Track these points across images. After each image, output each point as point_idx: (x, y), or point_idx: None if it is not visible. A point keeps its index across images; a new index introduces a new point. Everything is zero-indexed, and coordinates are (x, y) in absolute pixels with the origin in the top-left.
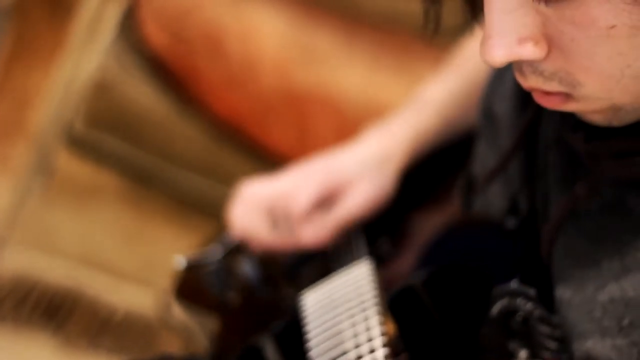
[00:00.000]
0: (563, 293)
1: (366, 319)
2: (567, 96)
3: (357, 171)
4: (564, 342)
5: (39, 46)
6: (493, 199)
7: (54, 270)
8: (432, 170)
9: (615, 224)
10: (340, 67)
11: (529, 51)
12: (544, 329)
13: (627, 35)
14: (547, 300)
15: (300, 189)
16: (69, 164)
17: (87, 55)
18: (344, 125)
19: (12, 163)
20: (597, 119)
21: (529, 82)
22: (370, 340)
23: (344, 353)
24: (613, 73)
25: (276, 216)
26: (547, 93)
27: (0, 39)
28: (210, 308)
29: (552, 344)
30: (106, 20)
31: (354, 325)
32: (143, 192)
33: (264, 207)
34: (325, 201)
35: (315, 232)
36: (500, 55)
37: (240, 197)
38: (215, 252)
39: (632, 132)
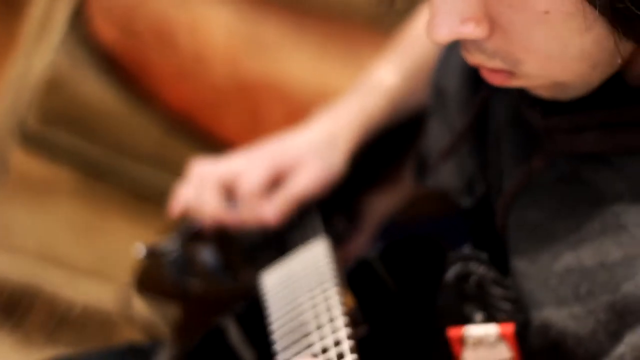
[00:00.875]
0: (518, 264)
1: (324, 291)
2: (511, 73)
3: (306, 151)
4: (518, 304)
5: None
6: (447, 177)
7: (11, 267)
8: (384, 149)
9: (571, 195)
10: (289, 56)
11: (471, 31)
12: (497, 291)
13: (562, 20)
14: (501, 268)
15: (250, 169)
16: (24, 161)
17: (38, 52)
18: (294, 112)
19: None
20: (543, 94)
21: (474, 59)
22: (329, 310)
23: (304, 325)
24: (551, 54)
25: (226, 194)
26: (492, 70)
27: None
28: (172, 297)
29: (506, 306)
30: (56, 16)
31: (313, 299)
32: (98, 186)
33: (213, 184)
34: (275, 182)
35: (266, 211)
36: (444, 34)
37: (190, 175)
38: (174, 241)
39: (585, 107)
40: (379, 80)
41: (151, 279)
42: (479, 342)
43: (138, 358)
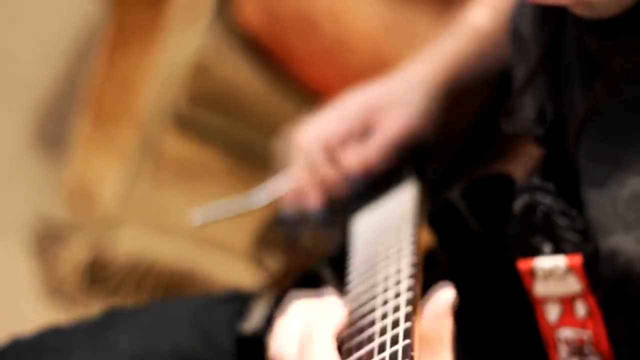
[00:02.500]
0: (587, 192)
1: (400, 233)
2: None
3: (399, 96)
4: (586, 235)
5: (139, 30)
6: (525, 112)
7: (167, 250)
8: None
9: (636, 121)
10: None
11: None
12: (564, 221)
13: None
14: (571, 198)
15: (337, 121)
16: (176, 144)
17: (186, 37)
18: None
19: (121, 146)
20: (578, 12)
21: None
22: (398, 260)
23: (375, 269)
24: None
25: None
26: None
27: (104, 26)
28: (286, 252)
29: (574, 237)
30: (203, 2)
31: (389, 246)
32: (246, 166)
33: (315, 146)
34: (363, 130)
35: (356, 159)
36: None
37: (297, 150)
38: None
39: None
40: (472, 22)
41: (271, 238)
42: (549, 274)
43: (238, 303)
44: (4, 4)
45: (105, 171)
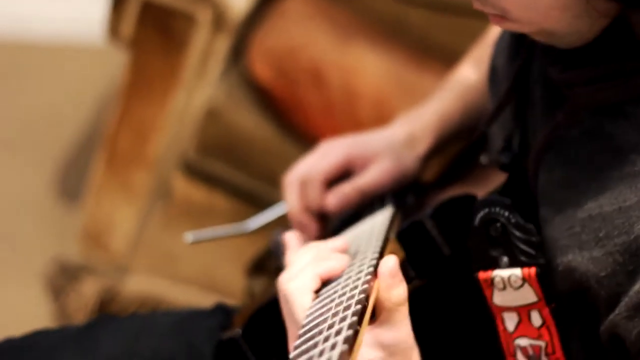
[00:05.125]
0: (546, 213)
1: (372, 245)
2: (503, 17)
3: (382, 148)
4: (541, 249)
5: (155, 79)
6: (493, 142)
7: (177, 295)
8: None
9: (595, 148)
10: None
11: None
12: (520, 235)
13: None
14: (526, 216)
15: (324, 158)
16: (185, 188)
17: (198, 87)
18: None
19: (134, 190)
20: (540, 39)
21: (475, 5)
22: (367, 253)
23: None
24: (531, 5)
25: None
26: (490, 14)
27: (121, 71)
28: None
29: (529, 250)
30: (216, 54)
31: (364, 252)
32: (252, 213)
33: (297, 183)
34: (344, 173)
35: (334, 198)
36: None
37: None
38: (278, 231)
39: (600, 61)
40: (459, 80)
41: (262, 264)
42: (506, 285)
43: (222, 315)
44: (32, 62)
45: (117, 216)
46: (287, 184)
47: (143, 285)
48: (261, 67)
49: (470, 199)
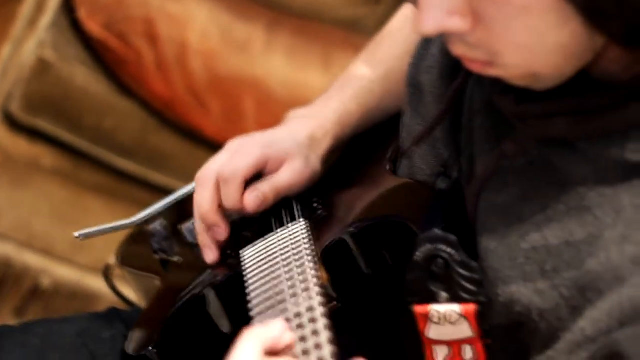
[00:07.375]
0: (488, 243)
1: (301, 265)
2: (490, 63)
3: (292, 148)
4: (482, 286)
5: None
6: (420, 163)
7: None
8: (364, 143)
9: (539, 179)
10: (263, 54)
11: (456, 24)
12: (463, 272)
13: (540, 14)
14: (470, 250)
15: (240, 157)
16: (8, 142)
17: (27, 40)
18: (268, 109)
19: None
20: (519, 83)
21: (457, 50)
22: (304, 282)
23: (280, 294)
24: (529, 46)
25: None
26: (473, 59)
27: None
28: (152, 272)
29: (471, 287)
30: (47, 5)
31: (289, 272)
32: (78, 168)
33: (213, 181)
34: (261, 171)
35: (247, 198)
36: (430, 27)
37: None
38: (161, 223)
39: (555, 96)
40: (358, 79)
41: (135, 255)
42: (443, 319)
43: (120, 325)
44: None
45: None
46: (201, 182)
47: None
48: (91, 18)
49: (399, 224)
